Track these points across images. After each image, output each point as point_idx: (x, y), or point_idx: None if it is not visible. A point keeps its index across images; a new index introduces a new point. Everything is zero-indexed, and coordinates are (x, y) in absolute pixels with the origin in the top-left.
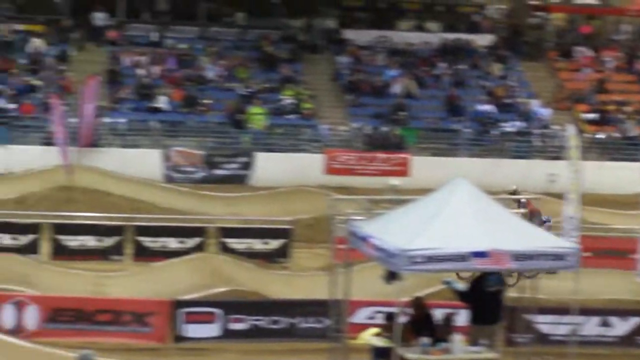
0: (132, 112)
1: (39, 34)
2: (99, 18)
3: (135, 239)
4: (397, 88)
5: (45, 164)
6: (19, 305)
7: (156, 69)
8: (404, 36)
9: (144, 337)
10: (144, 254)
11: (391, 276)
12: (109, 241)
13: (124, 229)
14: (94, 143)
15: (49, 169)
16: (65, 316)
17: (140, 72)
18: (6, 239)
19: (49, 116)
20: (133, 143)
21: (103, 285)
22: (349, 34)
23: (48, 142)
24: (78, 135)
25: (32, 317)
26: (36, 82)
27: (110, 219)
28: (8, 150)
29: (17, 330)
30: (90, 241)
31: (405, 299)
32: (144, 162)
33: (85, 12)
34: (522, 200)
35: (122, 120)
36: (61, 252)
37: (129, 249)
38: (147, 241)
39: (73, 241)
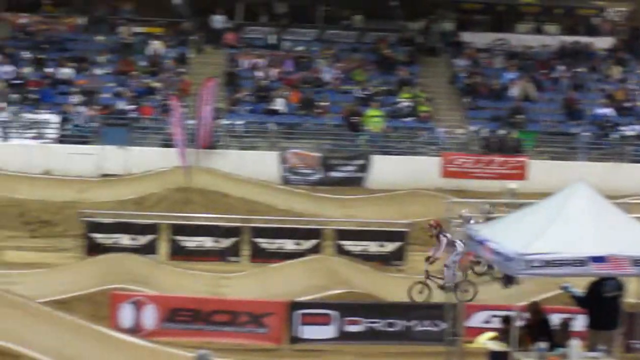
0: (250, 114)
1: (159, 36)
2: (218, 21)
3: (252, 241)
4: (515, 91)
5: (163, 166)
6: (138, 305)
7: (274, 71)
8: (523, 39)
9: (260, 338)
10: (260, 256)
11: (508, 280)
12: (226, 242)
13: (241, 230)
14: (212, 145)
15: (167, 170)
16: (182, 316)
17: (258, 74)
18: (125, 239)
19: (168, 118)
20: (250, 145)
21: (220, 286)
22: (467, 37)
23: (167, 143)
24: (196, 137)
25: (150, 317)
26: (155, 84)
27: (228, 220)
28: (127, 151)
29: (136, 330)
30: (207, 242)
31: (522, 303)
32: (261, 163)
33: (204, 14)
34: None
35: (240, 122)
36: (179, 253)
37: (245, 250)
38: (264, 243)
39: (191, 242)
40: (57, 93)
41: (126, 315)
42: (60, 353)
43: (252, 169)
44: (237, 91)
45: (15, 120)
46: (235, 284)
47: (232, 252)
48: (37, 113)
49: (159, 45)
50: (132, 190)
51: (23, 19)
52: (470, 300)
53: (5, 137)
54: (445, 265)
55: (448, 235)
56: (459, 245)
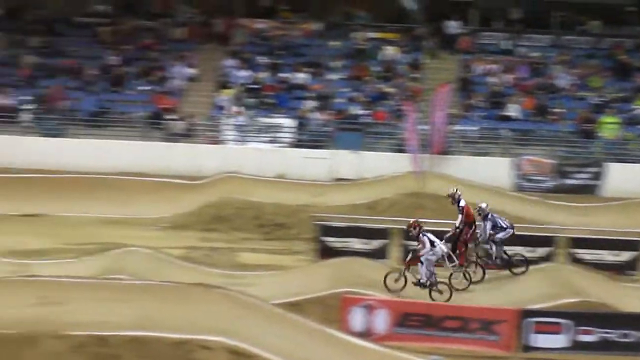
0: (483, 120)
1: (393, 42)
2: (452, 26)
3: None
4: None
5: (396, 170)
6: (369, 309)
7: (508, 77)
8: None
9: (491, 345)
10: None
11: None
12: None
13: None
14: (444, 150)
15: (399, 175)
16: (413, 321)
17: (492, 80)
18: (357, 243)
19: (401, 123)
20: (483, 151)
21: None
22: None
23: (399, 148)
24: (429, 143)
25: (381, 321)
26: (389, 89)
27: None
28: (360, 156)
29: (367, 334)
30: None
31: None
32: (493, 170)
33: (438, 20)
34: (461, 205)
35: (473, 128)
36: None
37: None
38: None
39: None
40: (292, 98)
41: (357, 319)
42: (292, 355)
43: (484, 175)
44: (471, 97)
45: (251, 124)
46: (466, 290)
47: None
48: (272, 117)
49: (393, 50)
50: (365, 195)
51: (260, 24)
52: (447, 301)
53: (242, 141)
54: (420, 262)
55: (428, 235)
56: (439, 247)
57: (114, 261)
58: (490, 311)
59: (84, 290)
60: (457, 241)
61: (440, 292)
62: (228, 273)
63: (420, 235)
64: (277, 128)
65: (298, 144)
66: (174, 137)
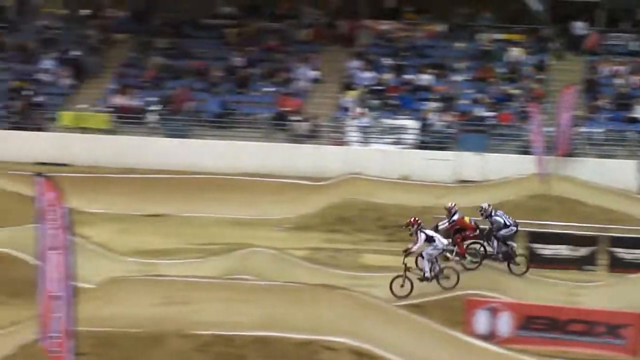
0: (609, 122)
1: (518, 43)
2: (579, 27)
3: (609, 250)
4: None
5: (520, 172)
6: (493, 312)
7: (635, 79)
8: None
9: (617, 349)
10: (618, 265)
11: None
12: (582, 251)
13: (598, 239)
14: (570, 152)
15: (524, 177)
16: (537, 324)
17: (619, 81)
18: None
19: (526, 125)
20: (609, 153)
21: (576, 295)
22: None
23: (524, 150)
24: (554, 144)
25: (505, 324)
26: (514, 90)
27: (585, 229)
28: (484, 158)
29: (490, 336)
30: (564, 250)
31: None
32: (619, 172)
33: (564, 21)
34: (455, 216)
35: (599, 130)
36: (535, 260)
37: (602, 260)
38: (622, 252)
39: (547, 249)
40: (416, 99)
41: (481, 321)
42: (416, 356)
43: (609, 177)
44: (597, 98)
45: (375, 125)
46: (591, 294)
47: (588, 261)
48: (396, 119)
49: (518, 52)
50: (489, 197)
51: (384, 26)
52: (454, 286)
53: (366, 142)
54: (420, 256)
55: (427, 231)
56: (439, 241)
57: (238, 261)
58: (616, 315)
59: (209, 290)
60: (456, 233)
61: (448, 277)
62: (352, 274)
63: (418, 232)
64: (400, 129)
65: (422, 146)
66: (298, 138)
